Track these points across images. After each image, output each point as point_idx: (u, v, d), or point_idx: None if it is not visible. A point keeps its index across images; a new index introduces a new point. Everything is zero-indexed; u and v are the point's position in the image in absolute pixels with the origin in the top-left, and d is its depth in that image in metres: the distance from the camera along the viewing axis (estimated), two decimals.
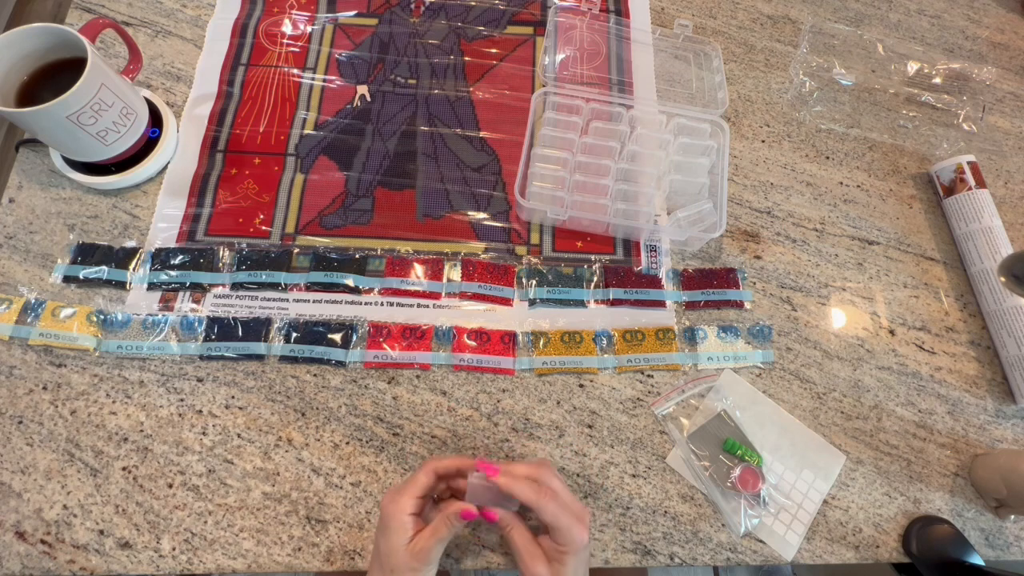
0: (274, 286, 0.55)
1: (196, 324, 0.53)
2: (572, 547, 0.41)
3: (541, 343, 0.55)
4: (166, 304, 0.54)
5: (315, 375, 0.53)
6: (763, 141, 0.67)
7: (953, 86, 0.72)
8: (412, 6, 0.70)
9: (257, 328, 0.53)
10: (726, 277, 0.59)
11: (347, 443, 0.51)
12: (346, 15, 0.69)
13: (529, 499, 0.41)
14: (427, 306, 0.56)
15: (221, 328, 0.53)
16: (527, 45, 0.69)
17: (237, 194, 0.59)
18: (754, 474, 0.51)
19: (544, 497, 0.41)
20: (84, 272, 0.54)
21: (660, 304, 0.58)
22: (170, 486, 0.48)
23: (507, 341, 0.55)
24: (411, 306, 0.56)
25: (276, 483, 0.49)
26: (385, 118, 0.64)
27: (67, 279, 0.54)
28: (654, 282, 0.59)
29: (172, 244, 0.56)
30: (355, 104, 0.64)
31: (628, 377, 0.55)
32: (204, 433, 0.50)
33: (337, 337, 0.54)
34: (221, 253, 0.56)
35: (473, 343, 0.55)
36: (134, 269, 0.55)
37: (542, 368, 0.54)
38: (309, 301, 0.55)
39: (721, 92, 0.66)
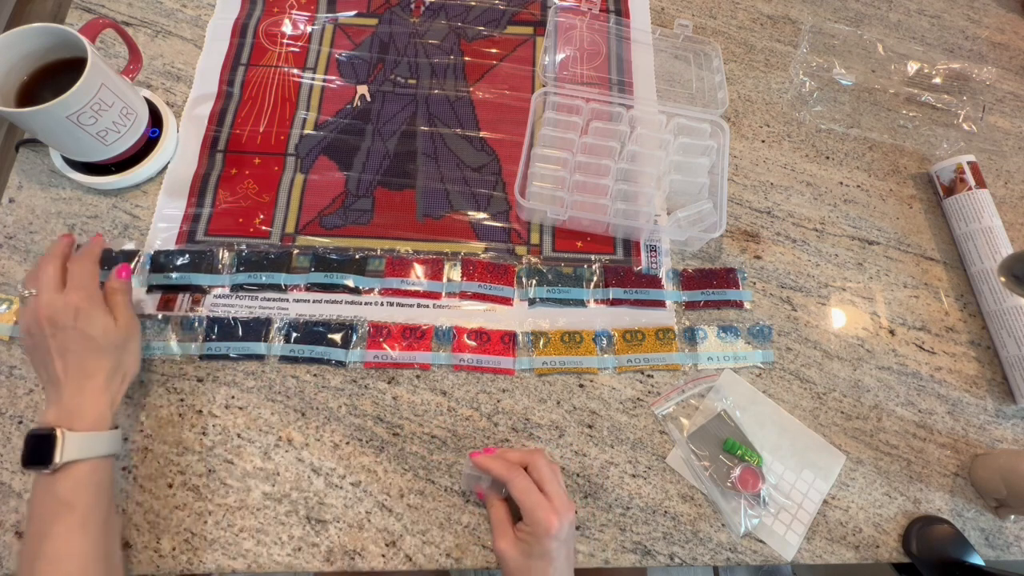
0: (274, 287, 0.55)
1: (196, 324, 0.53)
2: (536, 529, 0.41)
3: (541, 343, 0.55)
4: (166, 305, 0.54)
5: (315, 375, 0.53)
6: (763, 141, 0.67)
7: (953, 86, 0.72)
8: (412, 6, 0.70)
9: (257, 328, 0.53)
10: (726, 277, 0.59)
11: (347, 443, 0.51)
12: (346, 15, 0.69)
13: (500, 474, 0.44)
14: (427, 306, 0.56)
15: (221, 328, 0.53)
16: (527, 45, 0.69)
17: (237, 194, 0.59)
18: (754, 474, 0.51)
19: (513, 473, 0.43)
20: None
21: (660, 304, 0.58)
22: (170, 486, 0.48)
23: (507, 341, 0.55)
24: (411, 306, 0.56)
25: (276, 483, 0.49)
26: (385, 118, 0.64)
27: None
28: (654, 282, 0.59)
29: (172, 244, 0.56)
30: (355, 104, 0.64)
31: (628, 377, 0.55)
32: (204, 433, 0.50)
33: (337, 337, 0.54)
34: (221, 255, 0.56)
35: (473, 343, 0.55)
36: (134, 271, 0.55)
37: (542, 368, 0.54)
38: (309, 301, 0.55)
39: (721, 92, 0.66)
